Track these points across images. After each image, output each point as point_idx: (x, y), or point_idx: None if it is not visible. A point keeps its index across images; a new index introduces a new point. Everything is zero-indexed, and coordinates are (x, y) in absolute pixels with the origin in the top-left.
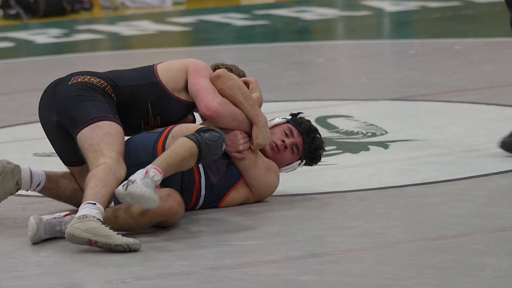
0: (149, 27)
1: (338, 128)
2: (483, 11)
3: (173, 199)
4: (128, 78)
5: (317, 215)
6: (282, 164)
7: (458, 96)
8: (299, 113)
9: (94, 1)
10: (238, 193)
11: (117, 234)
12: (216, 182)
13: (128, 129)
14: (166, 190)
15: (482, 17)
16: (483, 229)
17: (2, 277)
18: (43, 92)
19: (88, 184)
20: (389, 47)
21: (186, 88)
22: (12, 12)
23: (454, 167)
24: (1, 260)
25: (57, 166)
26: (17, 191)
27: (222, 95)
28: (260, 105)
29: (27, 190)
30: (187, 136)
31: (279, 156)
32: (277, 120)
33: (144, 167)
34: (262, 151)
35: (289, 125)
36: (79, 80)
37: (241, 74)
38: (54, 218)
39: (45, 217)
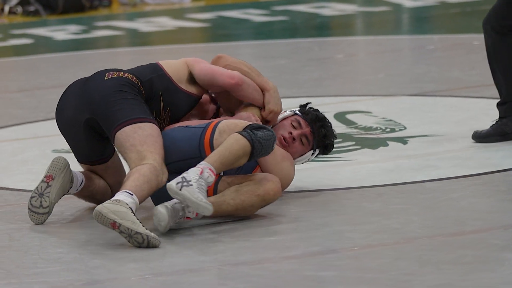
0: (168, 23)
1: (356, 123)
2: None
3: (274, 183)
4: (142, 72)
5: (335, 211)
6: (294, 156)
7: (477, 92)
8: (307, 103)
9: None
10: None
11: (143, 226)
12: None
13: None
14: (267, 176)
15: None
16: (502, 224)
17: (21, 274)
18: (65, 95)
19: (130, 176)
20: (407, 43)
21: (190, 80)
22: (31, 8)
23: (473, 162)
24: (20, 256)
25: (75, 162)
26: (68, 191)
27: None
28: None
29: (68, 192)
30: (241, 134)
31: (289, 149)
32: (285, 113)
33: (186, 162)
34: None
35: (296, 117)
36: (115, 75)
37: None
38: (175, 203)
39: (169, 204)
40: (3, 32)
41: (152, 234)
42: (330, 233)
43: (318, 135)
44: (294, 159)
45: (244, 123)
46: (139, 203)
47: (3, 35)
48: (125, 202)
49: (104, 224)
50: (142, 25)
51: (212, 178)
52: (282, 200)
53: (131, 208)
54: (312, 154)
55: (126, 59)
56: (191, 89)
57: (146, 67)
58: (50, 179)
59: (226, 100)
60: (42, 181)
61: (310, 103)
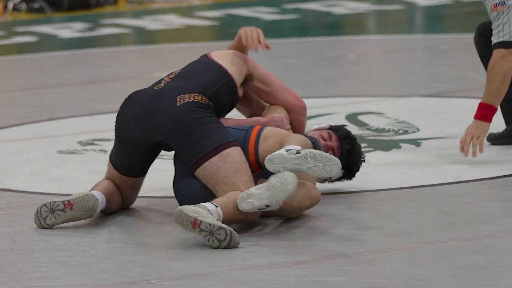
0: (175, 21)
1: (368, 125)
2: None
3: (317, 189)
4: (210, 81)
5: (347, 215)
6: None
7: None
8: (343, 125)
9: None
10: None
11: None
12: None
13: None
14: (309, 181)
15: None
16: None
17: (24, 278)
18: (126, 109)
19: (226, 195)
20: (421, 42)
21: (242, 83)
22: (36, 5)
23: (488, 165)
24: (23, 260)
25: (81, 163)
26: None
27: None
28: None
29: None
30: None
31: None
32: (320, 125)
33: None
34: None
35: (329, 130)
36: (186, 100)
37: None
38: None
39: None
40: (6, 29)
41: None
42: (341, 237)
43: (345, 152)
44: None
45: (287, 132)
46: (222, 220)
47: (7, 32)
48: (207, 207)
49: (183, 224)
50: (149, 23)
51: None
52: None
53: (212, 215)
54: None
55: (132, 58)
56: (241, 92)
57: (212, 71)
58: (69, 207)
59: (246, 102)
60: (63, 201)
61: (345, 125)
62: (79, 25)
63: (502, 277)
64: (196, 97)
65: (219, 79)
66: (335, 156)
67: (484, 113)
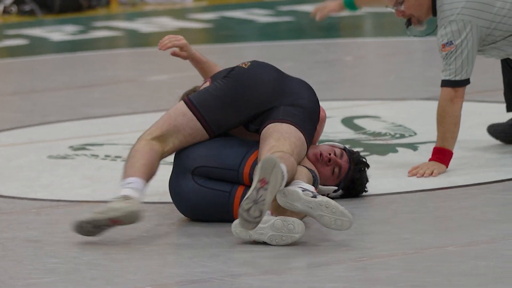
0: (169, 23)
1: (365, 129)
2: None
3: None
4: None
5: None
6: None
7: (490, 96)
8: (357, 152)
9: None
10: None
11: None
12: None
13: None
14: None
15: None
16: None
17: (15, 285)
18: (261, 71)
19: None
20: (419, 45)
21: None
22: (27, 8)
23: (486, 169)
24: (14, 266)
25: (72, 169)
26: None
27: None
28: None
29: None
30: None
31: (318, 166)
32: (336, 143)
33: (220, 171)
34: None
35: (343, 150)
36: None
37: None
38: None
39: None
40: None
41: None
42: (337, 243)
43: (351, 175)
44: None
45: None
46: None
47: None
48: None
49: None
50: (142, 26)
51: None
52: None
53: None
54: (334, 191)
55: (125, 61)
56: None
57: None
58: (115, 223)
59: None
60: (109, 219)
61: (359, 152)
62: (70, 28)
63: (500, 283)
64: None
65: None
66: (340, 175)
67: (440, 158)
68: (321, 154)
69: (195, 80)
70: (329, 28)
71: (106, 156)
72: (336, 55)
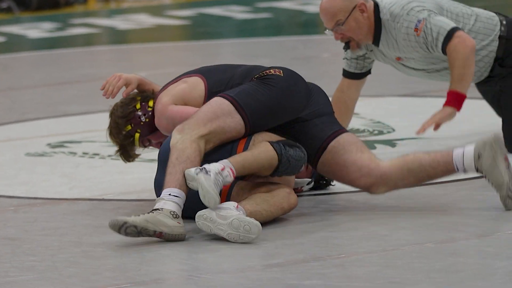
0: (146, 20)
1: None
2: (497, 3)
3: (294, 195)
4: None
5: (321, 217)
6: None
7: (468, 92)
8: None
9: None
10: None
11: None
12: None
13: None
14: (286, 187)
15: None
16: (495, 231)
17: None
18: (296, 81)
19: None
20: None
21: None
22: (4, 5)
23: None
24: None
25: (50, 166)
26: None
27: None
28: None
29: None
30: (272, 145)
31: None
32: None
33: None
34: None
35: None
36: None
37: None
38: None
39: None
40: None
41: None
42: (315, 239)
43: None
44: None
45: (279, 138)
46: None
47: None
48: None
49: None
50: (119, 23)
51: (230, 179)
52: None
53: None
54: (308, 183)
55: (103, 58)
56: None
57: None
58: (158, 236)
59: None
60: (154, 231)
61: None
62: (48, 25)
63: (479, 280)
64: None
65: None
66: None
67: (452, 100)
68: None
69: (172, 76)
70: (307, 25)
71: (84, 153)
72: (313, 51)
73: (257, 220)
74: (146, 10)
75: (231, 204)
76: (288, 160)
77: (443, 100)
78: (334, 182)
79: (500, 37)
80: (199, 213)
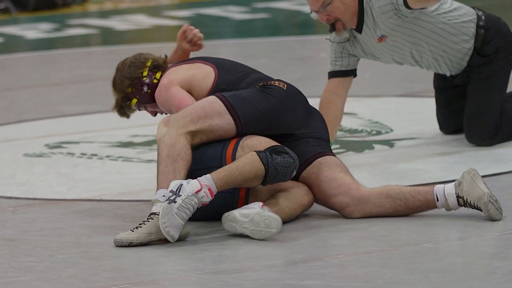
0: (144, 21)
1: (341, 126)
2: (494, 2)
3: (311, 192)
4: None
5: (320, 217)
6: None
7: None
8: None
9: None
10: None
11: None
12: None
13: None
14: (303, 185)
15: (493, 9)
16: (493, 230)
17: None
18: (298, 99)
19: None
20: None
21: None
22: (1, 6)
23: (461, 166)
24: None
25: (48, 167)
26: None
27: None
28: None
29: None
30: (258, 155)
31: None
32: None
33: (205, 171)
34: None
35: None
36: None
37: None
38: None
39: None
40: None
41: None
42: (314, 240)
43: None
44: None
45: (269, 143)
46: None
47: None
48: None
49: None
50: (117, 23)
51: (207, 199)
52: None
53: None
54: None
55: (100, 59)
56: None
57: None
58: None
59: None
60: (159, 239)
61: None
62: (45, 26)
63: (477, 280)
64: None
65: None
66: None
67: None
68: None
69: None
70: (304, 25)
71: (82, 154)
72: (311, 52)
73: (281, 217)
74: (144, 10)
75: (256, 204)
76: (275, 169)
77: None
78: None
79: (478, 27)
80: (225, 215)
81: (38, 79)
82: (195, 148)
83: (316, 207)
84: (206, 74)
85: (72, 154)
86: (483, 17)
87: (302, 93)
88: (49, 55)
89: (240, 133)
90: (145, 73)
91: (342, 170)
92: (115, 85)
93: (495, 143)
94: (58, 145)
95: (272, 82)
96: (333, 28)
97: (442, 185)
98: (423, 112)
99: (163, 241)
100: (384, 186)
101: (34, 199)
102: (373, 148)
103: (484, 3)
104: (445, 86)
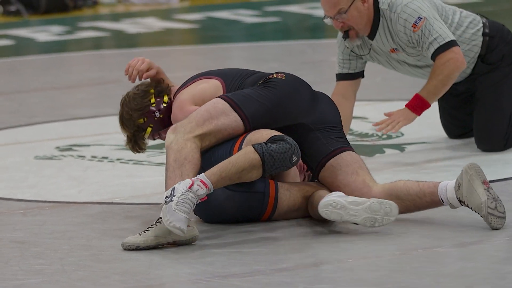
0: (155, 24)
1: (352, 130)
2: (504, 7)
3: None
4: None
5: (330, 221)
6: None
7: None
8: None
9: None
10: None
11: None
12: None
13: None
14: (323, 187)
15: (504, 14)
16: (504, 235)
17: (1, 286)
18: (299, 86)
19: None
20: None
21: None
22: (12, 8)
23: None
24: (0, 268)
25: (59, 170)
26: None
27: None
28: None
29: None
30: (253, 146)
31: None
32: None
33: None
34: None
35: None
36: None
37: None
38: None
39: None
40: None
41: None
42: (325, 244)
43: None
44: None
45: (271, 134)
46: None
47: None
48: None
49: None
50: (128, 26)
51: (202, 191)
52: None
53: None
54: None
55: (111, 62)
56: None
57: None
58: (172, 245)
59: None
60: (167, 242)
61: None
62: (56, 29)
63: (488, 285)
64: None
65: None
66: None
67: (416, 105)
68: (300, 165)
69: (181, 80)
70: (315, 29)
71: (92, 157)
72: (322, 55)
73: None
74: (155, 13)
75: (339, 193)
76: (271, 156)
77: None
78: None
79: (483, 34)
80: (325, 201)
81: (49, 82)
82: (205, 151)
83: None
84: (215, 87)
85: (82, 157)
86: (487, 24)
87: (301, 80)
88: (60, 58)
89: (249, 129)
90: (152, 100)
91: (354, 171)
92: (124, 121)
93: (506, 149)
94: (68, 148)
95: (271, 76)
96: (346, 35)
97: (444, 187)
98: (434, 117)
99: (171, 244)
100: (393, 184)
101: (45, 201)
102: (383, 152)
103: (496, 8)
104: (448, 93)
